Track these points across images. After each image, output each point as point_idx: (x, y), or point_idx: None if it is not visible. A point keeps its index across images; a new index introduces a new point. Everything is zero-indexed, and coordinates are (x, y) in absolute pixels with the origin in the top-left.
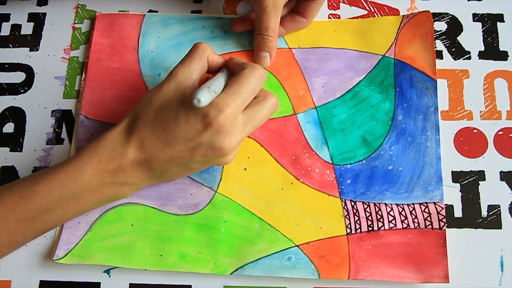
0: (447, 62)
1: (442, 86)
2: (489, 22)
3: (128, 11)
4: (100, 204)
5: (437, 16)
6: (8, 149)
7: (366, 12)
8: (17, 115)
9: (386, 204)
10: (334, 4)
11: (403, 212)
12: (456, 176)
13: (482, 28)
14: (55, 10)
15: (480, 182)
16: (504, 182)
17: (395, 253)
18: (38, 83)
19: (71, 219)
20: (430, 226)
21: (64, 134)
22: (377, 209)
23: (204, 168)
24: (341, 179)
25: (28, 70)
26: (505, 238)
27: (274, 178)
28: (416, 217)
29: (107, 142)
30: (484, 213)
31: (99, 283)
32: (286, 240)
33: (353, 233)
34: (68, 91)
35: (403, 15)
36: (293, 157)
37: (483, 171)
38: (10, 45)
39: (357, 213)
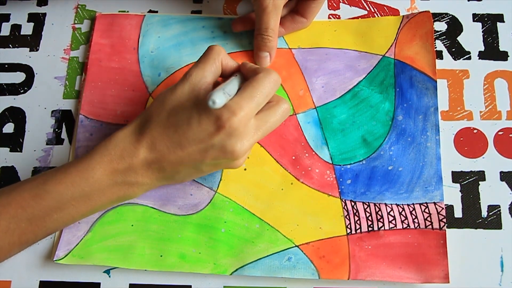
0: (447, 62)
1: (442, 86)
2: (489, 22)
3: (128, 11)
4: (111, 204)
5: (437, 16)
6: (8, 149)
7: (366, 12)
8: (17, 115)
9: (386, 204)
10: (334, 4)
11: (403, 212)
12: (456, 176)
13: (482, 28)
14: (55, 10)
15: (480, 182)
16: (504, 182)
17: (395, 253)
18: (38, 83)
19: (82, 218)
20: (430, 226)
21: (64, 134)
22: (377, 209)
23: (214, 171)
24: (341, 179)
25: (28, 70)
26: (505, 238)
27: (274, 178)
28: (416, 217)
29: (118, 141)
30: (484, 213)
31: (99, 284)
32: (286, 240)
33: (353, 233)
34: (68, 91)
35: (403, 15)
36: (293, 157)
37: (483, 171)
38: (10, 45)
39: (357, 213)
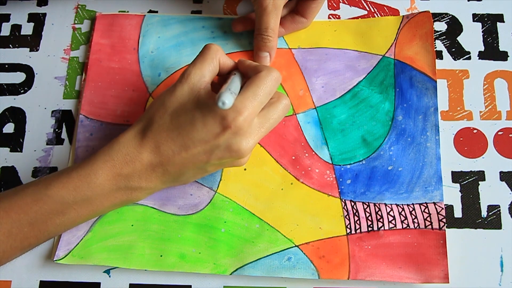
0: (447, 62)
1: (442, 86)
2: (489, 22)
3: (128, 12)
4: (114, 208)
5: (437, 16)
6: (8, 149)
7: (366, 12)
8: (17, 115)
9: (386, 204)
10: (334, 4)
11: (403, 212)
12: (456, 176)
13: (482, 28)
14: (55, 11)
15: (480, 182)
16: (504, 182)
17: (395, 253)
18: (38, 83)
19: (84, 222)
20: (430, 226)
21: (64, 135)
22: (377, 209)
23: (219, 170)
24: (341, 179)
25: (28, 71)
26: (505, 238)
27: (274, 178)
28: (416, 217)
29: (120, 146)
30: (484, 213)
31: (99, 283)
32: (286, 240)
33: (353, 233)
34: (68, 91)
35: (403, 16)
36: (293, 157)
37: (483, 171)
38: (10, 45)
39: (357, 213)
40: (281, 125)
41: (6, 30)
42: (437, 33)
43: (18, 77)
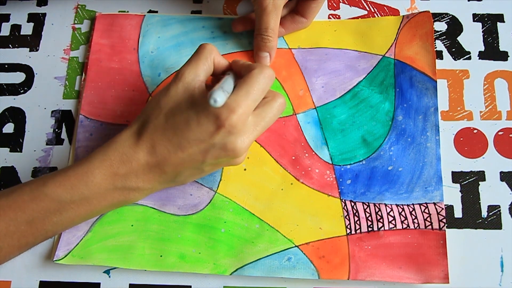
0: (447, 62)
1: (442, 87)
2: (489, 22)
3: (128, 12)
4: (112, 208)
5: (437, 16)
6: (8, 149)
7: (366, 12)
8: (17, 115)
9: (386, 205)
10: (334, 4)
11: (403, 213)
12: (456, 177)
13: (482, 28)
14: (55, 11)
15: (480, 182)
16: (504, 183)
17: (395, 253)
18: (38, 83)
19: (82, 222)
20: (430, 227)
21: (64, 135)
22: (377, 210)
23: (216, 170)
24: (341, 180)
25: (28, 71)
26: (505, 239)
27: (274, 179)
28: (416, 217)
29: (117, 145)
30: (484, 213)
31: (99, 284)
32: (286, 240)
33: (353, 234)
34: (68, 91)
35: (403, 16)
36: (293, 158)
37: (483, 172)
38: (10, 45)
39: (357, 214)
40: (281, 125)
41: (6, 30)
42: (437, 33)
43: (18, 77)
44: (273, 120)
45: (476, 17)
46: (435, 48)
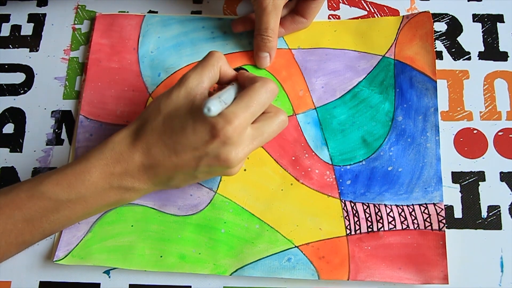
0: (447, 62)
1: (442, 87)
2: (489, 23)
3: (128, 12)
4: (108, 207)
5: (437, 17)
6: (8, 149)
7: (366, 12)
8: (17, 115)
9: (385, 205)
10: (334, 4)
11: (402, 213)
12: (456, 177)
13: (482, 28)
14: (55, 11)
15: (480, 182)
16: (504, 183)
17: (394, 254)
18: (38, 83)
19: (79, 221)
20: (429, 227)
21: (64, 135)
22: (377, 210)
23: (209, 178)
24: (340, 180)
25: (28, 71)
26: (505, 239)
27: (274, 179)
28: (415, 218)
29: (114, 144)
30: (484, 213)
31: (99, 284)
32: (285, 241)
33: (353, 234)
34: (68, 91)
35: (403, 16)
36: (293, 158)
37: (483, 172)
38: (10, 45)
39: (356, 214)
40: None
41: (6, 30)
42: (437, 33)
43: (18, 78)
44: (272, 136)
45: (476, 17)
46: (435, 48)
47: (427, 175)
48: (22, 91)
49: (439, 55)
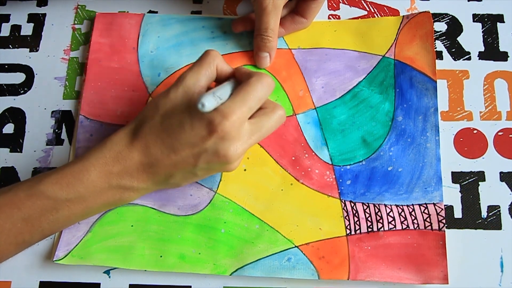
0: (447, 62)
1: (442, 87)
2: (489, 23)
3: (127, 12)
4: (107, 207)
5: (437, 17)
6: (8, 149)
7: (366, 12)
8: (17, 115)
9: (385, 205)
10: (334, 4)
11: (402, 213)
12: (456, 177)
13: (482, 28)
14: (55, 11)
15: (480, 182)
16: (504, 183)
17: (394, 254)
18: (38, 83)
19: (78, 221)
20: (429, 227)
21: (64, 135)
22: (377, 210)
23: (209, 175)
24: (340, 180)
25: (28, 71)
26: (505, 239)
27: (274, 179)
28: (415, 218)
29: (113, 144)
30: (484, 213)
31: (99, 284)
32: (285, 241)
33: (353, 234)
34: (68, 92)
35: (403, 16)
36: (293, 158)
37: (483, 172)
38: (10, 45)
39: (356, 214)
40: (281, 125)
41: (6, 30)
42: (437, 33)
43: (18, 78)
44: (270, 131)
45: (476, 17)
46: (435, 48)
47: (427, 175)
48: (22, 91)
49: (439, 55)
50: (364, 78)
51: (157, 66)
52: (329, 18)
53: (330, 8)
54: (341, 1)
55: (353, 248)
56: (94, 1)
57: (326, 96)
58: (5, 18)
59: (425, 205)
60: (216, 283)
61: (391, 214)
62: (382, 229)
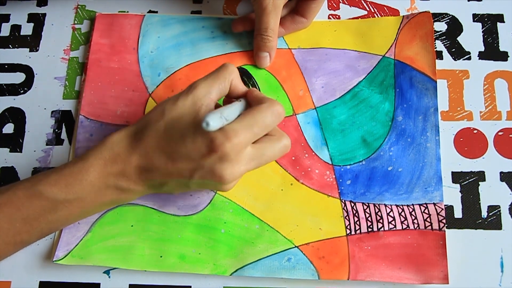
0: (447, 62)
1: (442, 87)
2: (489, 23)
3: (128, 12)
4: (105, 207)
5: (437, 17)
6: (8, 149)
7: (366, 12)
8: (17, 115)
9: (385, 205)
10: (334, 4)
11: (402, 213)
12: (456, 177)
13: (482, 28)
14: (55, 11)
15: (480, 182)
16: (504, 183)
17: (394, 254)
18: (38, 83)
19: (76, 221)
20: (429, 227)
21: (64, 135)
22: (377, 210)
23: (202, 190)
24: (340, 180)
25: (28, 71)
26: (505, 239)
27: (274, 179)
28: (415, 218)
29: (113, 144)
30: (484, 213)
31: (98, 284)
32: (285, 241)
33: (353, 234)
34: (68, 91)
35: (403, 16)
36: (293, 158)
37: (483, 172)
38: (10, 45)
39: (356, 214)
40: (281, 125)
41: (5, 30)
42: (437, 33)
43: (17, 78)
44: (271, 159)
45: (476, 17)
46: (435, 48)
47: (427, 175)
48: (22, 91)
49: (439, 55)
50: (364, 78)
51: (157, 66)
52: (329, 18)
53: (330, 8)
54: (341, 1)
55: (353, 248)
56: (94, 1)
57: (326, 96)
58: (5, 18)
59: (425, 205)
60: (216, 283)
61: (391, 214)
62: (382, 229)
